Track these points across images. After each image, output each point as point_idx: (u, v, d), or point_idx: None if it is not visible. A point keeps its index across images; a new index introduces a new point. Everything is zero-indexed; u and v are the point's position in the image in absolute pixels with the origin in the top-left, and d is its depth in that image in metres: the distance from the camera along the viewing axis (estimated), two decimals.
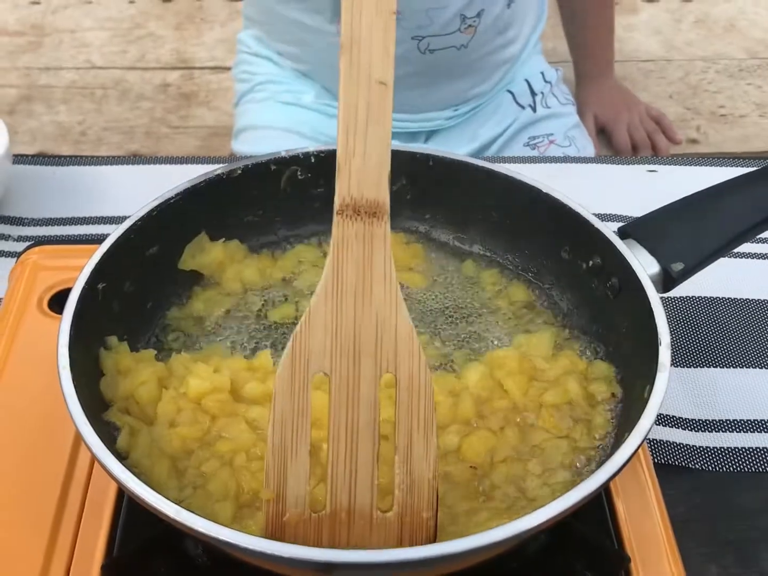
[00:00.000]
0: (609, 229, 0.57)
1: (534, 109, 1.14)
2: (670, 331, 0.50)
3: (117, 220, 0.87)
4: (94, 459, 0.51)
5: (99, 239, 0.79)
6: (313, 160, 0.61)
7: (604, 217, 0.89)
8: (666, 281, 0.55)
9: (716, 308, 0.78)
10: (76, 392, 0.46)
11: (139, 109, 1.42)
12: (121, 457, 0.48)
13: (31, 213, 0.87)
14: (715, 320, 0.77)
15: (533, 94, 1.14)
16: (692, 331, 0.76)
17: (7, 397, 0.58)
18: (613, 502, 0.52)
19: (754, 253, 0.84)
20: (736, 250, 0.69)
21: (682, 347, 0.75)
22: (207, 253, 0.60)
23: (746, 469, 0.66)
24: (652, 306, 0.51)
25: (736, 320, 0.78)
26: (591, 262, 0.57)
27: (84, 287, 0.51)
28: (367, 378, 0.43)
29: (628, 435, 0.45)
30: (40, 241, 0.71)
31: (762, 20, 1.61)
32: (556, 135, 1.15)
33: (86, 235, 0.86)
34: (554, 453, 0.50)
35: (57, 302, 0.64)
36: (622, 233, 0.57)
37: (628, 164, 0.97)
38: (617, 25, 1.53)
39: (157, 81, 1.46)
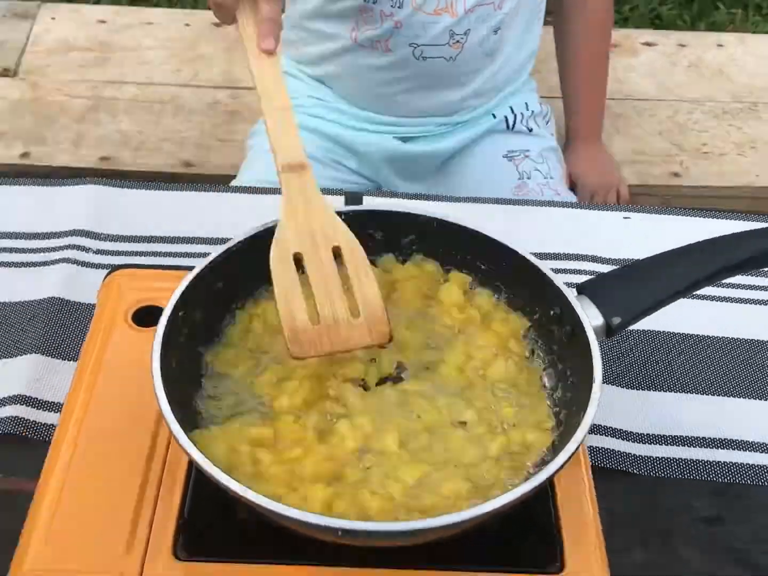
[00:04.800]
0: (566, 287, 0.73)
1: (508, 123, 1.31)
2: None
3: (174, 240, 1.05)
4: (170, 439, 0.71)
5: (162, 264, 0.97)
6: (343, 217, 0.78)
7: (582, 257, 1.05)
8: (608, 331, 0.72)
9: (671, 342, 0.95)
10: (164, 384, 0.64)
11: (191, 122, 1.59)
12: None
13: (106, 229, 1.05)
14: (662, 352, 0.94)
15: (513, 114, 1.31)
16: (636, 358, 0.94)
17: (103, 394, 0.75)
18: (556, 495, 0.69)
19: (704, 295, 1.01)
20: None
21: (625, 371, 0.93)
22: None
23: (672, 476, 0.83)
24: (592, 351, 0.68)
25: (681, 353, 0.95)
26: (552, 312, 0.75)
27: (171, 313, 0.69)
28: (323, 248, 0.72)
29: (568, 442, 0.62)
30: (120, 266, 0.88)
31: (749, 66, 1.76)
32: (531, 151, 1.32)
33: (150, 252, 1.03)
34: None
35: (139, 316, 0.82)
36: (579, 289, 0.74)
37: (606, 210, 1.14)
38: (618, 66, 1.69)
39: (207, 99, 1.64)
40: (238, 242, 0.75)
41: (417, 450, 0.67)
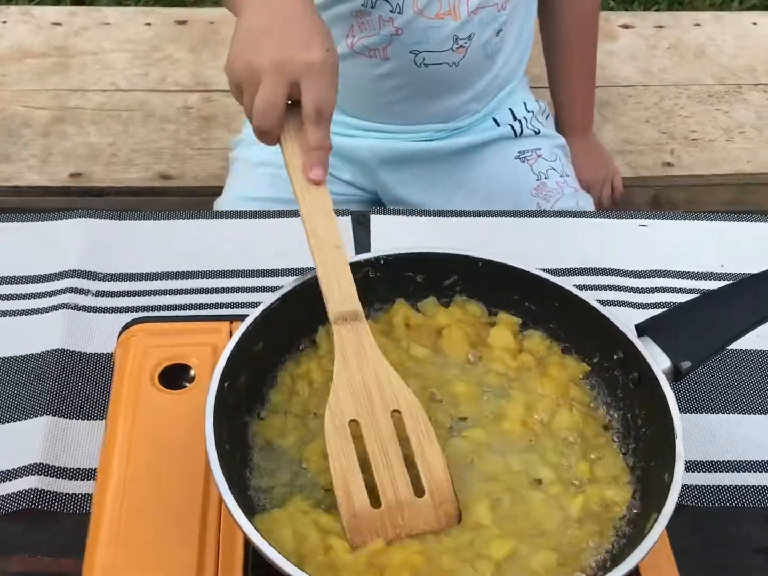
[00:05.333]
0: (630, 330, 0.70)
1: (515, 131, 1.26)
2: None
3: (180, 275, 0.99)
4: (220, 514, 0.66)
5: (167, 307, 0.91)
6: (382, 262, 0.74)
7: (607, 272, 1.02)
8: (676, 375, 0.68)
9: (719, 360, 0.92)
10: (220, 463, 0.59)
11: (164, 131, 1.51)
12: None
13: (103, 268, 0.98)
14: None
15: (515, 118, 1.27)
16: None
17: (140, 463, 0.69)
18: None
19: None
20: None
21: (681, 393, 0.90)
22: None
23: (726, 505, 0.81)
24: (668, 402, 0.65)
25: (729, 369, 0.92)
26: (615, 356, 0.71)
27: (217, 388, 0.64)
28: (381, 414, 0.65)
29: (657, 516, 0.59)
30: (135, 320, 0.82)
31: (728, 47, 1.74)
32: (543, 150, 1.28)
33: (152, 290, 0.97)
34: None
35: (165, 376, 0.76)
36: (640, 330, 0.71)
37: (623, 218, 1.10)
38: (598, 51, 1.65)
39: (178, 103, 1.56)
40: (278, 298, 0.70)
41: (503, 519, 0.63)
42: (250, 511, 0.61)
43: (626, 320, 0.71)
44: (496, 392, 0.72)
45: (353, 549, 0.61)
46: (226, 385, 0.65)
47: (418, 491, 0.63)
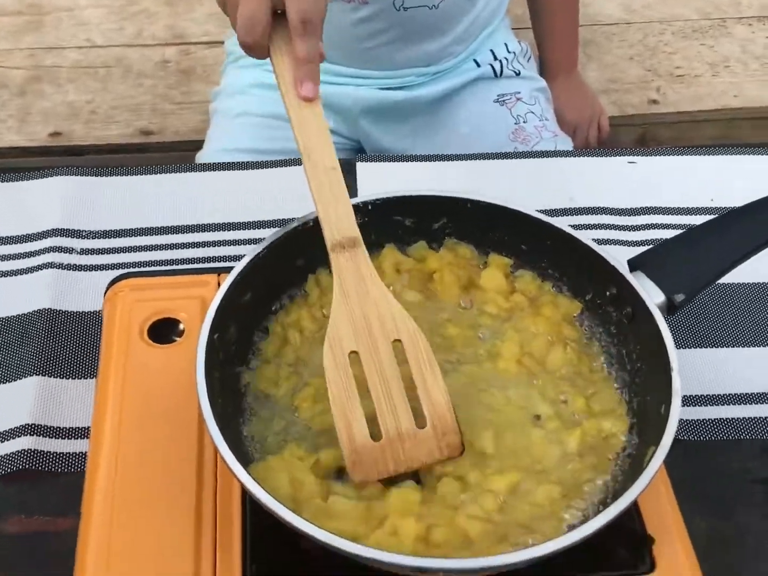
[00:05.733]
0: (622, 265, 0.69)
1: (495, 72, 1.24)
2: None
3: (164, 231, 0.97)
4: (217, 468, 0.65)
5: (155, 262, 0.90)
6: (370, 207, 0.73)
7: (596, 210, 1.01)
8: (670, 308, 0.68)
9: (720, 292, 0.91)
10: (213, 414, 0.58)
11: (142, 86, 1.49)
12: None
13: (87, 225, 0.97)
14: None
15: (495, 59, 1.25)
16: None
17: (133, 418, 0.69)
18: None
19: None
20: None
21: (676, 328, 0.89)
22: None
23: (724, 438, 0.81)
24: (663, 335, 0.64)
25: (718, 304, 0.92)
26: (608, 293, 0.70)
27: (207, 340, 0.63)
28: (382, 345, 0.63)
29: (655, 449, 0.58)
30: (122, 275, 0.80)
31: None
32: (522, 93, 1.26)
33: (138, 246, 0.96)
34: None
35: (155, 330, 0.75)
36: (633, 265, 0.70)
37: (610, 156, 1.09)
38: None
39: (156, 58, 1.53)
40: (265, 247, 0.69)
41: (505, 454, 0.63)
42: (245, 461, 0.60)
43: (618, 257, 0.70)
44: (490, 334, 0.71)
45: (355, 486, 0.60)
46: (215, 337, 0.64)
47: (420, 423, 0.62)
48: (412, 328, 0.64)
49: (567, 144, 1.29)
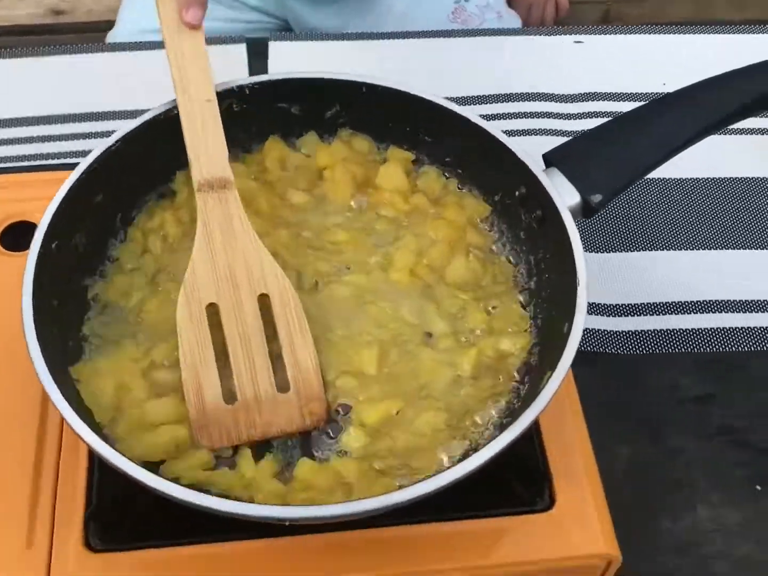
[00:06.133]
0: (532, 160, 0.60)
1: None
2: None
3: (48, 120, 0.87)
4: None
5: (39, 156, 0.81)
6: (247, 92, 0.63)
7: (536, 97, 0.91)
8: (586, 210, 0.59)
9: (650, 190, 0.83)
10: (42, 354, 0.50)
11: None
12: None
13: None
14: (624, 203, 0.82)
15: None
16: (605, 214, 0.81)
17: None
18: (538, 422, 0.58)
19: None
20: None
21: (595, 231, 0.81)
22: None
23: (657, 351, 0.73)
24: (572, 242, 0.55)
25: (642, 201, 0.83)
26: (517, 192, 0.61)
27: (39, 251, 0.54)
28: (247, 299, 0.56)
29: (551, 374, 0.50)
30: None
31: None
32: None
33: (19, 138, 0.86)
34: None
35: (10, 237, 0.66)
36: (547, 159, 0.61)
37: (555, 35, 0.98)
38: None
39: None
40: (118, 140, 0.59)
41: (387, 377, 0.56)
42: (72, 359, 0.55)
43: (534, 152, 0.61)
44: (385, 240, 0.63)
45: (199, 449, 0.53)
46: (54, 245, 0.55)
47: (282, 386, 0.55)
48: (283, 283, 0.57)
49: (514, 23, 1.17)
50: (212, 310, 0.55)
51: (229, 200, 0.57)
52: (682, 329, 0.73)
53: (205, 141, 0.58)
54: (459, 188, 0.64)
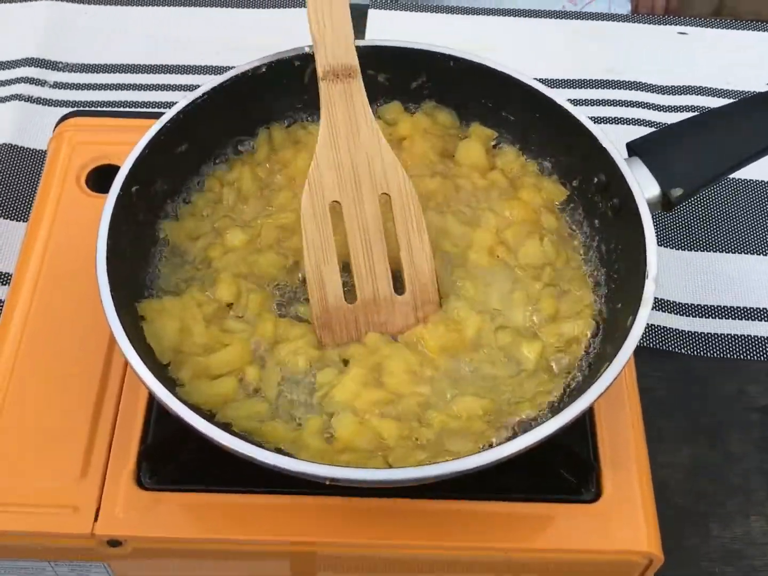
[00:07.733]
0: (616, 148, 0.58)
1: None
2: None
3: (150, 69, 0.89)
4: None
5: (130, 103, 0.82)
6: None
7: (633, 86, 0.89)
8: (665, 204, 0.58)
9: (733, 191, 0.80)
10: (111, 293, 0.51)
11: None
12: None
13: (64, 57, 0.89)
14: (720, 203, 0.80)
15: None
16: (696, 213, 0.79)
17: (53, 272, 0.63)
18: (594, 413, 0.57)
19: None
20: None
21: (684, 229, 0.79)
22: None
23: (728, 356, 0.72)
24: (646, 237, 0.54)
25: (739, 203, 0.80)
26: (596, 179, 0.60)
27: (119, 194, 0.55)
28: (368, 198, 0.56)
29: (608, 364, 0.50)
30: (74, 112, 0.73)
31: None
32: None
33: (118, 85, 0.88)
34: None
35: (95, 179, 0.68)
36: (631, 148, 0.59)
37: (660, 24, 0.96)
38: None
39: None
40: (205, 93, 0.60)
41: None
42: (139, 297, 0.56)
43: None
44: (458, 218, 0.62)
45: (322, 347, 0.55)
46: (134, 190, 0.57)
47: (398, 287, 0.57)
48: (404, 182, 0.56)
49: (623, 6, 1.14)
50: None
51: (354, 92, 0.56)
52: (756, 336, 0.71)
53: (331, 23, 0.56)
54: (538, 171, 0.64)
